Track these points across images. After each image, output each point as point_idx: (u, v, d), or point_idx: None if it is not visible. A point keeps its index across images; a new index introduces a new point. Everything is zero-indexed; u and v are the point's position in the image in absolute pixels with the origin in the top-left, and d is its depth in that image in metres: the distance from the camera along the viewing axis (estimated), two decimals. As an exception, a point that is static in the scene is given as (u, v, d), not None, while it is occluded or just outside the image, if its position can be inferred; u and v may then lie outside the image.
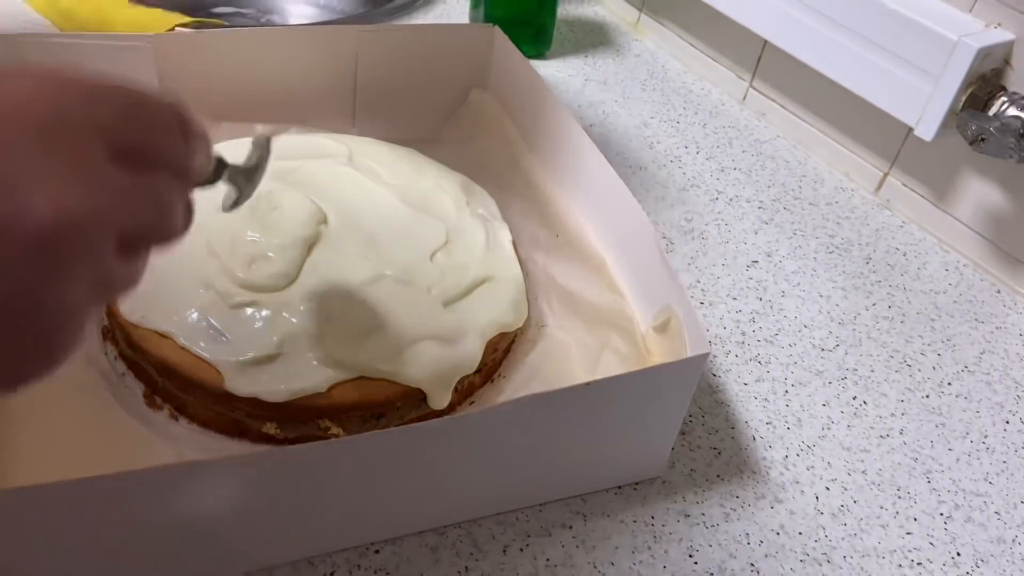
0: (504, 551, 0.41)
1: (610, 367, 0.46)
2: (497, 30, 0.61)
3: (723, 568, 0.42)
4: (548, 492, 0.43)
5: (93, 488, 0.32)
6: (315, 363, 0.42)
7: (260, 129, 0.44)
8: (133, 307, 0.43)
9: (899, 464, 0.48)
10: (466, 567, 0.40)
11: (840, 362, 0.54)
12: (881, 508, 0.46)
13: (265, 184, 0.46)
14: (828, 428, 0.50)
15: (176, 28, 0.68)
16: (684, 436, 0.48)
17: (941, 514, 0.46)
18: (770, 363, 0.53)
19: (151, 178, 0.26)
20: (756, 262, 0.61)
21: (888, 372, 0.54)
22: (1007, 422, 0.52)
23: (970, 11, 0.59)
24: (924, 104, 0.59)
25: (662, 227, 0.63)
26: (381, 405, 0.43)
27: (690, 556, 0.42)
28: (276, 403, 0.41)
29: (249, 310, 0.43)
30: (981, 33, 0.57)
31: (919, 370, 0.54)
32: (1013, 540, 0.45)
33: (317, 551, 0.39)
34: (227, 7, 0.87)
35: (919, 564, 0.43)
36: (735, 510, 0.45)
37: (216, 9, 0.87)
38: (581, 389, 0.37)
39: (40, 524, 0.32)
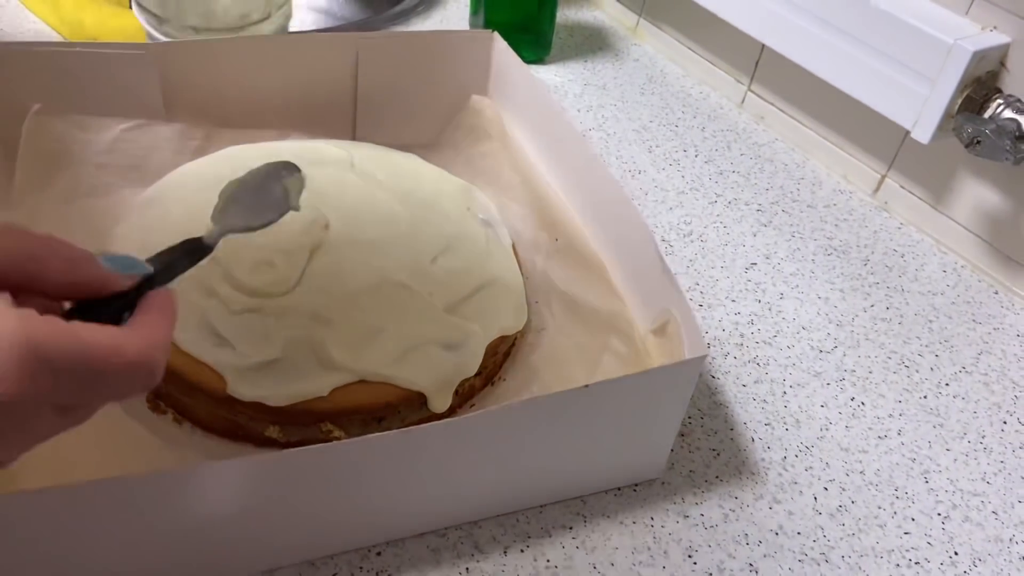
0: (505, 552, 0.41)
1: (609, 370, 0.47)
2: (496, 36, 0.62)
3: (722, 568, 0.42)
4: (548, 494, 0.43)
5: (97, 492, 0.32)
6: (316, 367, 0.42)
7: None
8: (137, 313, 0.43)
9: (897, 464, 0.49)
10: (467, 568, 0.40)
11: (838, 363, 0.54)
12: (879, 508, 0.46)
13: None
14: (826, 429, 0.50)
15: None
16: (683, 438, 0.48)
17: (939, 514, 0.46)
18: (768, 365, 0.54)
19: None
20: (755, 264, 0.61)
21: (886, 373, 0.54)
22: (1004, 422, 0.52)
23: (966, 14, 0.60)
24: (920, 107, 0.59)
25: (661, 230, 0.63)
26: (382, 409, 0.43)
27: (689, 556, 0.42)
28: (278, 407, 0.41)
29: (251, 315, 0.43)
30: (977, 36, 0.57)
31: (917, 371, 0.55)
32: (1011, 539, 0.45)
33: (319, 553, 0.40)
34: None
35: (917, 563, 0.44)
36: (734, 511, 0.45)
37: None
38: (580, 392, 0.38)
39: (45, 528, 0.33)
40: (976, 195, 0.62)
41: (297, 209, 0.41)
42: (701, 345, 0.40)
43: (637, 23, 0.88)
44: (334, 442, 0.35)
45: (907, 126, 0.61)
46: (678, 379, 0.40)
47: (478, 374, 0.46)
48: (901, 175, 0.68)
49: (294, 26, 0.88)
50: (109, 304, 0.28)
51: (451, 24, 0.83)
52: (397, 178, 0.54)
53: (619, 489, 0.45)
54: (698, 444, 0.48)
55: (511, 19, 0.79)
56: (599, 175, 0.52)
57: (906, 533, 0.45)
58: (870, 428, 0.51)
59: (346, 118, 0.62)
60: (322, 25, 0.94)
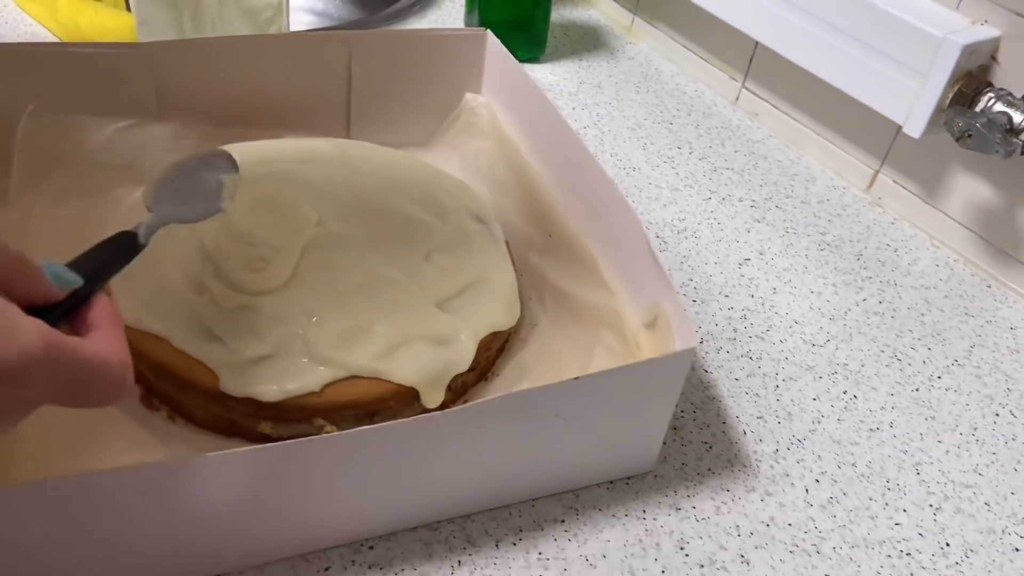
0: (496, 545, 0.41)
1: (601, 364, 0.47)
2: (489, 34, 0.62)
3: (713, 560, 0.42)
4: (540, 487, 0.43)
5: (88, 484, 0.33)
6: (308, 363, 0.42)
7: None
8: (130, 309, 0.43)
9: (889, 456, 0.49)
10: (459, 561, 0.41)
11: (831, 357, 0.55)
12: (870, 500, 0.46)
13: (260, 188, 0.47)
14: (818, 422, 0.50)
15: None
16: (676, 431, 0.48)
17: (930, 505, 0.46)
18: (761, 359, 0.54)
19: None
20: (748, 260, 0.62)
21: (878, 366, 0.54)
22: (997, 414, 0.52)
23: (957, 8, 0.60)
24: (912, 102, 0.59)
25: (655, 226, 0.64)
26: (374, 404, 0.43)
27: (681, 548, 0.43)
28: (271, 403, 0.41)
29: (244, 312, 0.43)
30: (967, 30, 0.57)
31: (909, 364, 0.55)
32: (1003, 531, 0.46)
33: (311, 547, 0.40)
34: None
35: (908, 554, 0.44)
36: (726, 503, 0.45)
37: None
38: (570, 384, 0.38)
39: (34, 521, 0.33)
40: (969, 189, 0.63)
41: (224, 211, 0.41)
42: (691, 338, 0.40)
43: (632, 21, 0.88)
44: (325, 435, 0.35)
45: (899, 121, 0.61)
46: (668, 371, 0.40)
47: (471, 370, 0.46)
48: (894, 170, 0.68)
49: (292, 27, 0.88)
50: (49, 312, 0.29)
51: (446, 24, 0.83)
52: (390, 175, 0.54)
53: (611, 482, 0.45)
54: (690, 437, 0.48)
55: (506, 18, 0.79)
56: (591, 171, 0.52)
57: (897, 524, 0.45)
58: (862, 421, 0.51)
59: (340, 117, 0.63)
60: (319, 26, 0.94)
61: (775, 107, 0.76)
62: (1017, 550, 0.45)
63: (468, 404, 0.37)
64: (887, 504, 0.46)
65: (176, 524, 0.36)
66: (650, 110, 0.77)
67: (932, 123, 0.59)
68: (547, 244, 0.55)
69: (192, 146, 0.57)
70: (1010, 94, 0.56)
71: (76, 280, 0.31)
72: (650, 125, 0.75)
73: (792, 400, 0.51)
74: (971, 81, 0.58)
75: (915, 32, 0.58)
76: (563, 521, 0.43)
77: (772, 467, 0.47)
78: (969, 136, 0.55)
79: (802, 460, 0.48)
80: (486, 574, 0.40)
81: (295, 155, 0.55)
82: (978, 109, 0.57)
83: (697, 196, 0.67)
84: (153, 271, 0.45)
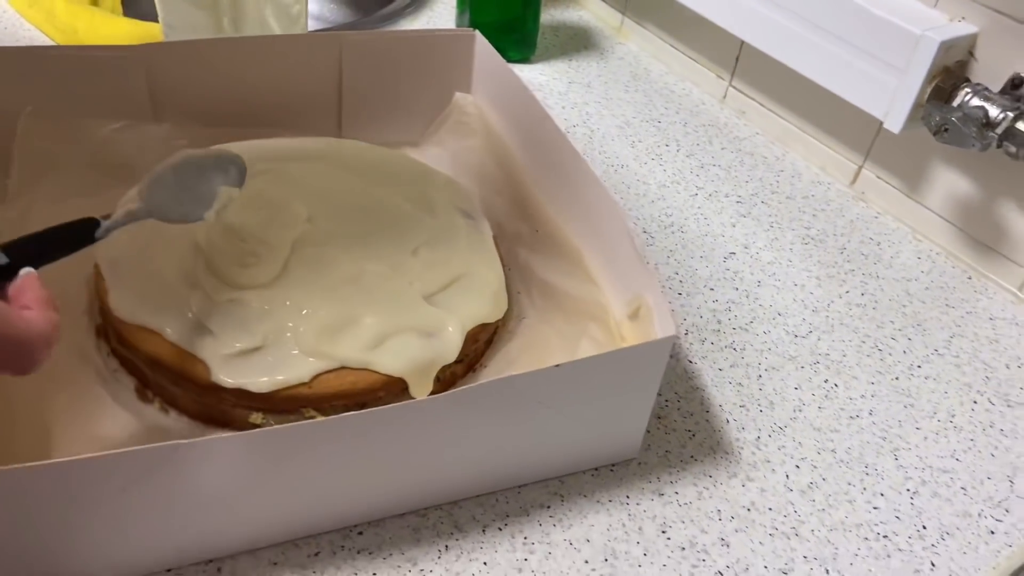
0: (483, 530, 0.43)
1: (587, 355, 0.48)
2: (478, 35, 0.63)
3: (694, 543, 0.43)
4: (526, 474, 0.45)
5: (78, 469, 0.34)
6: (299, 355, 0.44)
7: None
8: (124, 304, 0.45)
9: (868, 443, 0.50)
10: (446, 546, 0.42)
11: (813, 347, 0.56)
12: (849, 484, 0.47)
13: (252, 185, 0.49)
14: (799, 410, 0.51)
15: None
16: (660, 420, 0.49)
17: (908, 489, 0.47)
18: (745, 350, 0.55)
19: None
20: (733, 254, 0.63)
21: (860, 356, 0.56)
22: (975, 402, 0.53)
23: (935, 6, 0.61)
24: (891, 97, 0.60)
25: (642, 222, 0.65)
26: (363, 394, 0.44)
27: (663, 532, 0.44)
28: (262, 394, 0.43)
29: (234, 305, 0.45)
30: (944, 27, 0.59)
31: (890, 354, 0.56)
32: (979, 514, 0.47)
33: (302, 533, 0.41)
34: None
35: (885, 537, 0.45)
36: (708, 488, 0.46)
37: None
38: (552, 371, 0.39)
39: (30, 504, 0.34)
40: (949, 183, 0.64)
41: (202, 219, 0.43)
42: (671, 326, 0.41)
43: (621, 22, 0.89)
44: (312, 420, 0.36)
45: (879, 116, 0.62)
46: (649, 359, 0.42)
47: (459, 361, 0.47)
48: (877, 166, 0.69)
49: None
50: None
51: (438, 25, 0.84)
52: (380, 172, 0.55)
53: (596, 469, 0.46)
54: (674, 426, 0.49)
55: (496, 19, 0.80)
56: (578, 168, 0.53)
57: (875, 508, 0.46)
58: (842, 408, 0.52)
59: (332, 117, 0.64)
60: (312, 30, 0.95)
61: (761, 105, 0.77)
62: (992, 532, 0.46)
63: (452, 391, 0.38)
64: (865, 489, 0.47)
65: (168, 508, 0.37)
66: (639, 109, 0.78)
67: (912, 118, 0.60)
68: (534, 239, 0.56)
69: (185, 146, 0.58)
70: (987, 89, 0.57)
71: (2, 259, 0.33)
72: (638, 123, 0.76)
73: (774, 389, 0.53)
74: (949, 77, 0.59)
75: (894, 29, 0.59)
76: (548, 507, 0.44)
77: (754, 454, 0.48)
78: (946, 130, 0.56)
79: (783, 447, 0.49)
80: (473, 558, 0.41)
81: (287, 154, 0.56)
82: (955, 104, 0.58)
83: (684, 192, 0.68)
84: (146, 267, 0.46)
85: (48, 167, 0.55)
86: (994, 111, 0.56)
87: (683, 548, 0.43)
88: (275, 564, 0.40)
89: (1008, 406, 0.53)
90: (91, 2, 0.82)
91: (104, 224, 0.39)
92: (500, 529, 0.43)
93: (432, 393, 0.46)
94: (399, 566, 0.41)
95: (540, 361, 0.49)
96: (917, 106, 0.59)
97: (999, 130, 0.55)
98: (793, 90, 0.73)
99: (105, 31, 0.74)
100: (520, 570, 0.41)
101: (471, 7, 0.80)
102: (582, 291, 0.51)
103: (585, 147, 0.72)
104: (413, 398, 0.45)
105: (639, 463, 0.47)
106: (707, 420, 0.50)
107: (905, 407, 0.52)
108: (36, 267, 0.34)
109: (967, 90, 0.58)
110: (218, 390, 0.43)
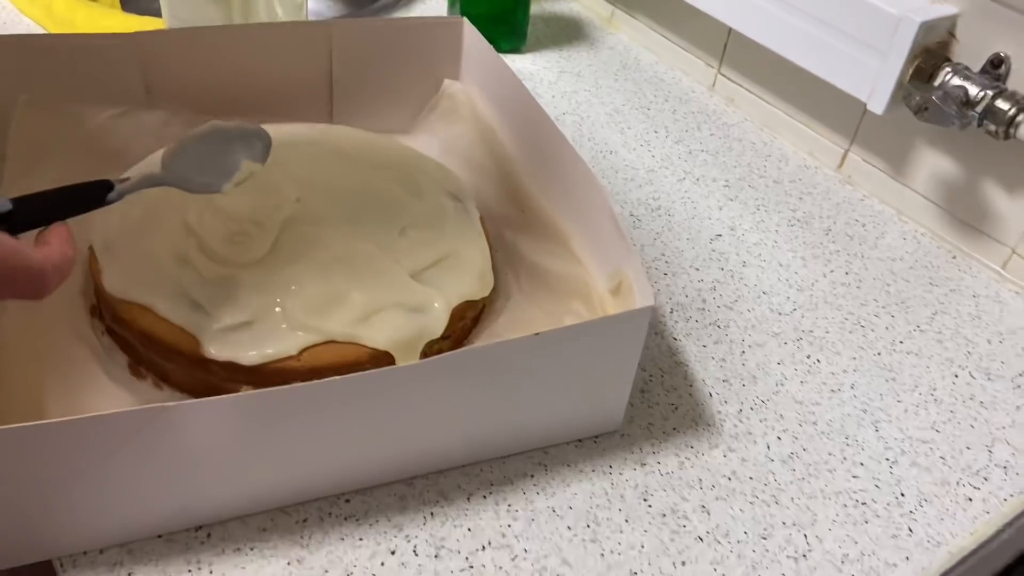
0: (468, 499, 0.44)
1: (569, 328, 0.49)
2: (465, 22, 0.64)
3: (675, 510, 0.44)
4: (511, 445, 0.45)
5: (69, 430, 0.35)
6: (287, 329, 0.45)
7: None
8: (117, 282, 0.46)
9: (848, 415, 0.51)
10: (432, 513, 0.43)
11: (796, 324, 0.57)
12: (829, 455, 0.48)
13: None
14: (782, 384, 0.52)
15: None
16: (643, 394, 0.50)
17: (887, 459, 0.48)
18: (729, 327, 0.56)
19: None
20: (719, 235, 0.64)
21: (842, 333, 0.56)
22: (956, 375, 0.54)
23: (916, -11, 0.62)
24: (874, 79, 0.61)
25: (630, 205, 0.66)
26: (351, 367, 0.45)
27: (644, 500, 0.45)
28: (251, 366, 0.44)
29: (224, 282, 0.46)
30: (925, 8, 0.59)
31: (872, 330, 0.57)
32: (957, 483, 0.47)
33: (290, 500, 0.42)
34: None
35: (863, 504, 0.46)
36: (689, 459, 0.47)
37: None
38: (531, 339, 0.40)
39: (23, 465, 0.35)
40: (934, 165, 0.64)
41: (223, 192, 0.44)
42: (649, 297, 0.42)
43: (612, 13, 0.90)
44: (294, 385, 0.37)
45: (863, 98, 0.63)
46: (627, 328, 0.43)
47: (445, 338, 0.48)
48: (864, 149, 0.70)
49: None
50: None
51: (430, 18, 0.86)
52: (368, 156, 0.56)
53: (580, 441, 0.47)
54: (657, 399, 0.50)
55: (487, 11, 0.81)
56: (561, 149, 0.54)
57: (855, 477, 0.47)
58: (824, 383, 0.53)
59: (323, 104, 0.65)
60: (308, 24, 0.97)
61: (750, 92, 0.78)
62: (970, 499, 0.46)
63: (434, 357, 0.39)
64: (845, 459, 0.48)
65: (157, 473, 0.38)
66: (628, 97, 0.79)
67: (895, 99, 0.61)
68: (521, 221, 0.57)
69: (179, 133, 0.59)
70: (967, 68, 0.58)
71: (7, 205, 0.35)
72: (628, 111, 0.77)
73: (757, 364, 0.53)
74: (930, 57, 0.60)
75: (875, 12, 0.60)
76: (532, 476, 0.45)
77: (736, 426, 0.49)
78: (926, 109, 0.57)
79: (765, 419, 0.50)
80: (457, 524, 0.42)
81: (278, 139, 0.57)
82: (936, 83, 0.59)
83: (672, 177, 0.69)
84: (139, 245, 0.48)
85: (44, 154, 0.56)
86: (973, 90, 0.57)
87: (664, 515, 0.44)
88: (264, 530, 0.41)
89: (988, 379, 0.54)
90: (89, -2, 0.84)
91: (118, 187, 0.40)
92: (484, 497, 0.44)
93: (419, 368, 0.47)
94: (385, 532, 0.42)
95: (525, 337, 0.50)
96: (899, 87, 0.60)
97: (979, 108, 0.56)
98: (781, 76, 0.74)
99: (103, 25, 0.75)
100: (504, 535, 0.42)
101: (463, 0, 0.81)
102: (567, 269, 0.52)
103: (574, 134, 0.73)
104: (401, 373, 0.46)
105: (622, 435, 0.48)
106: (690, 394, 0.51)
107: (887, 381, 0.53)
108: (46, 224, 0.36)
109: (948, 70, 0.58)
110: (209, 364, 0.44)
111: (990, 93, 0.56)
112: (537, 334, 0.40)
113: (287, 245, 0.48)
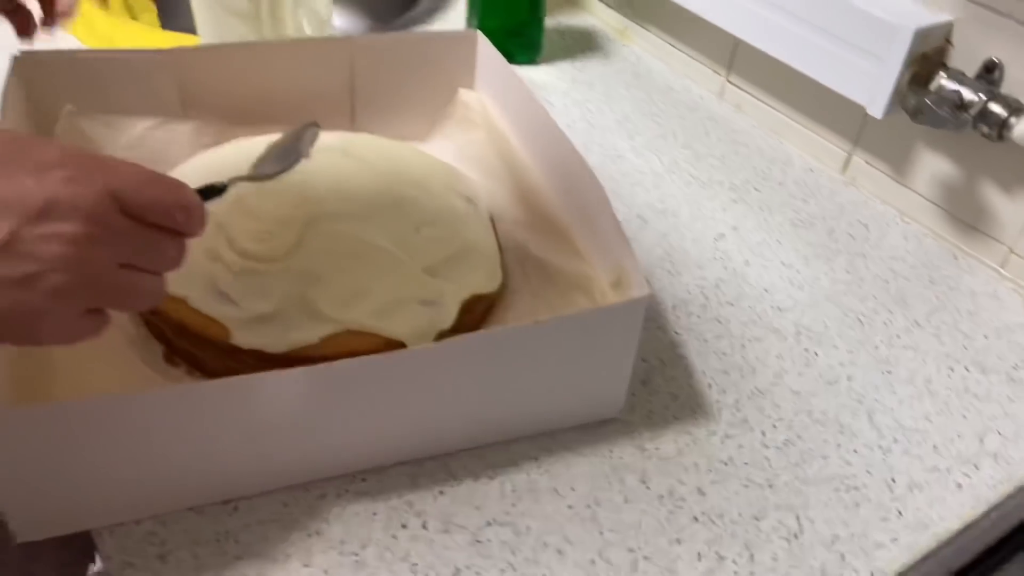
0: (476, 478, 0.46)
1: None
2: (479, 35, 0.68)
3: (672, 492, 0.47)
4: (516, 429, 0.48)
5: (102, 407, 0.38)
6: (309, 319, 0.48)
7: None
8: (154, 276, 0.50)
9: (844, 405, 0.53)
10: (441, 491, 0.46)
11: (796, 320, 0.59)
12: (824, 442, 0.50)
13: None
14: (780, 376, 0.54)
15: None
16: (645, 384, 0.53)
17: (880, 447, 0.50)
18: (730, 322, 0.58)
19: (147, 230, 0.34)
20: (723, 235, 0.66)
21: (841, 328, 0.58)
22: (951, 369, 0.56)
23: (914, -2, 0.64)
24: (873, 85, 0.63)
25: (636, 208, 0.68)
26: (367, 355, 0.48)
27: (643, 482, 0.47)
28: (276, 354, 0.47)
29: (252, 276, 0.49)
30: (920, 16, 0.62)
31: (871, 326, 0.59)
32: (947, 469, 0.49)
33: (309, 478, 0.45)
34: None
35: (855, 488, 0.48)
36: (687, 445, 0.49)
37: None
38: (531, 326, 0.43)
39: (59, 441, 0.39)
40: (935, 167, 0.66)
41: (308, 156, 0.46)
42: (644, 287, 0.45)
43: (625, 26, 0.93)
44: (308, 366, 0.40)
45: (863, 103, 0.65)
46: (623, 317, 0.45)
47: (456, 330, 0.51)
48: (867, 153, 0.72)
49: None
50: None
51: (449, 32, 0.89)
52: (386, 161, 0.60)
53: (582, 427, 0.50)
54: (658, 389, 0.53)
55: (503, 25, 0.84)
56: (569, 155, 0.57)
57: (847, 464, 0.49)
58: (821, 375, 0.55)
59: (345, 114, 0.69)
60: (334, 39, 1.01)
61: (757, 98, 0.80)
62: (960, 486, 0.48)
63: (441, 341, 0.42)
64: (839, 446, 0.50)
65: (189, 448, 0.41)
66: (638, 105, 0.82)
67: (894, 104, 0.63)
68: (530, 221, 0.60)
69: (211, 143, 0.64)
70: (962, 74, 0.60)
71: None
72: (637, 118, 0.80)
73: (756, 357, 0.56)
74: (927, 63, 0.62)
75: (873, 20, 0.62)
76: (536, 459, 0.48)
77: (733, 414, 0.52)
78: (922, 112, 0.59)
79: (762, 408, 0.52)
80: (465, 501, 0.45)
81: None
82: (932, 88, 0.61)
83: (679, 180, 0.72)
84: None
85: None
86: (968, 94, 0.59)
87: (661, 496, 0.46)
88: (286, 505, 0.44)
89: (983, 373, 0.56)
90: (130, 16, 0.89)
91: (218, 185, 0.41)
92: (491, 478, 0.46)
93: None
94: (396, 508, 0.44)
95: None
96: (898, 92, 0.62)
97: (972, 111, 0.58)
98: (786, 83, 0.76)
99: (142, 42, 0.80)
100: (508, 513, 0.45)
101: (480, 14, 0.85)
102: (570, 265, 0.55)
103: (585, 140, 0.76)
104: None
105: (623, 422, 0.50)
106: (690, 385, 0.53)
107: (883, 373, 0.55)
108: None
109: (943, 75, 0.61)
110: (236, 351, 0.47)
111: (983, 97, 0.58)
112: (537, 321, 0.43)
113: (310, 242, 0.51)
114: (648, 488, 0.47)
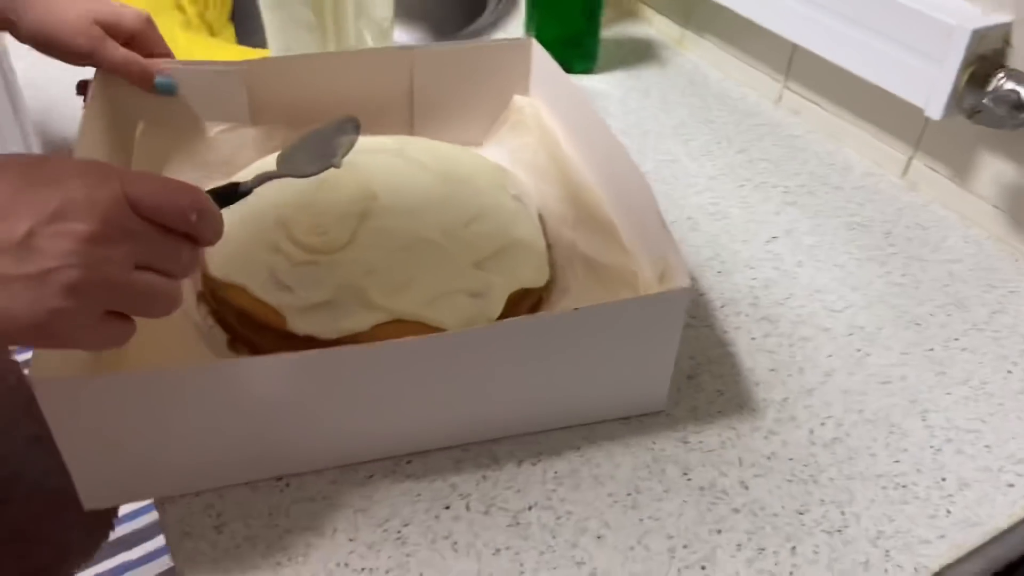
0: (519, 464, 0.47)
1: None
2: (534, 43, 0.69)
3: (714, 484, 0.47)
4: (560, 419, 0.49)
5: (166, 380, 0.41)
6: (360, 308, 0.50)
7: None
8: (219, 266, 0.53)
9: (896, 405, 0.52)
10: (484, 476, 0.47)
11: (849, 321, 0.58)
12: (873, 440, 0.50)
13: (329, 171, 0.55)
14: (829, 375, 0.54)
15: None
16: (691, 380, 0.53)
17: (931, 447, 0.49)
18: (779, 321, 0.58)
19: (161, 232, 0.35)
20: (776, 237, 0.66)
21: (896, 329, 0.58)
22: (1009, 371, 0.54)
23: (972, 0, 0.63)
24: (931, 86, 0.63)
25: (688, 209, 0.69)
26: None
27: (684, 474, 0.47)
28: (329, 340, 0.49)
29: (309, 267, 0.52)
30: (978, 17, 0.61)
31: (927, 328, 0.58)
32: (999, 469, 0.48)
33: (359, 459, 0.47)
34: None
35: (904, 486, 0.47)
36: (731, 440, 0.49)
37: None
38: (572, 313, 0.44)
39: (128, 411, 0.42)
40: (997, 169, 0.65)
41: (338, 167, 0.49)
42: (686, 279, 0.46)
43: (682, 35, 0.94)
44: (356, 345, 0.42)
45: (921, 105, 0.64)
46: (665, 307, 0.46)
47: (503, 323, 0.53)
48: (927, 156, 0.71)
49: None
50: None
51: (508, 44, 0.91)
52: (439, 161, 0.62)
53: (626, 419, 0.50)
54: (704, 386, 0.53)
55: (560, 35, 0.86)
56: (619, 156, 0.58)
57: (896, 462, 0.48)
58: (872, 375, 0.54)
59: (405, 121, 0.71)
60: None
61: (815, 104, 0.80)
62: (1011, 485, 0.47)
63: (485, 326, 0.44)
64: (888, 444, 0.49)
65: (246, 425, 0.43)
66: (694, 111, 0.82)
67: (952, 106, 0.62)
68: (578, 219, 0.61)
69: (278, 146, 0.67)
70: (1020, 73, 0.59)
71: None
72: (693, 124, 0.80)
73: (806, 356, 0.55)
74: (985, 64, 0.61)
75: (930, 22, 0.62)
76: (579, 448, 0.49)
77: (779, 411, 0.51)
78: (978, 112, 0.58)
79: (810, 406, 0.52)
80: (507, 486, 0.46)
81: (362, 146, 0.63)
82: (989, 88, 0.60)
83: (731, 183, 0.72)
84: (238, 236, 0.54)
85: (164, 165, 0.64)
86: (1028, 92, 0.58)
87: (703, 488, 0.47)
88: (334, 483, 0.46)
89: (1044, 375, 0.54)
90: (209, 33, 0.94)
91: (242, 186, 0.45)
92: (533, 464, 0.47)
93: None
94: (441, 490, 0.46)
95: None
96: (956, 93, 0.62)
97: (1033, 110, 0.57)
98: (845, 88, 0.76)
99: (219, 57, 0.85)
100: (549, 498, 0.46)
101: (537, 26, 0.87)
102: (616, 261, 0.56)
103: (639, 144, 0.77)
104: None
105: (667, 415, 0.51)
106: (736, 382, 0.53)
107: (937, 375, 0.54)
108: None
109: (1002, 75, 0.59)
110: (292, 337, 0.50)
111: (1044, 95, 0.57)
112: (576, 309, 0.44)
113: (363, 236, 0.54)
114: (690, 479, 0.47)
